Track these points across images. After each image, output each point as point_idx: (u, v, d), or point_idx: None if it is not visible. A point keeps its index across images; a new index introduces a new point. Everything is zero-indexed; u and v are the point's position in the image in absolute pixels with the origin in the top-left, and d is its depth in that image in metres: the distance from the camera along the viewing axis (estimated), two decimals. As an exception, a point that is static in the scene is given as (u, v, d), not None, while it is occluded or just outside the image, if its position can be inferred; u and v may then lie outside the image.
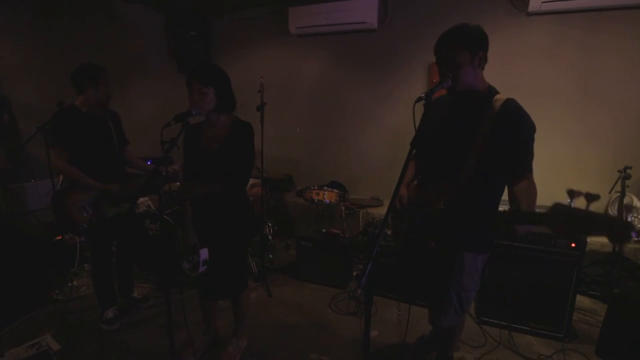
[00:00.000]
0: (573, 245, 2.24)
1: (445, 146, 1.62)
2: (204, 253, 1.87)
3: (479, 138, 1.48)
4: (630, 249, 2.91)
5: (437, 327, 1.90)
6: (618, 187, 2.77)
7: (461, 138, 1.54)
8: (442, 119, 1.64)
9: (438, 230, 1.61)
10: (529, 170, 1.46)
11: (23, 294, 2.67)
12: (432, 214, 1.57)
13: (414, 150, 1.41)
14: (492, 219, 1.53)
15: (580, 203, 1.00)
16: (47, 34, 3.58)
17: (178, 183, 2.69)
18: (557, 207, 1.02)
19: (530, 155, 1.47)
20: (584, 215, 0.96)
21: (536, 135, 1.49)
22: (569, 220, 0.99)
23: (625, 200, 2.85)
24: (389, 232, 2.96)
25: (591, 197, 0.98)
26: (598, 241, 2.97)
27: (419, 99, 1.37)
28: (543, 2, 3.15)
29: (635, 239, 0.91)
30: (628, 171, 2.71)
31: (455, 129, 1.58)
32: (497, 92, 1.55)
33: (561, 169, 3.34)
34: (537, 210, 1.22)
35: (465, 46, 1.44)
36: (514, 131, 1.45)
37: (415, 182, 1.79)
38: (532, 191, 1.38)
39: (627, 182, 2.73)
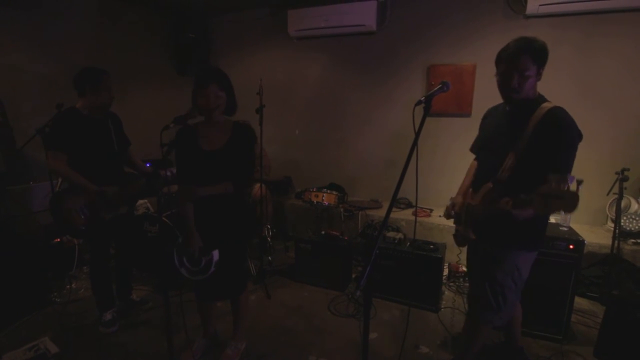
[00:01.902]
0: (571, 247, 2.25)
1: (494, 150, 1.72)
2: (216, 255, 1.90)
3: (521, 140, 1.58)
4: (628, 251, 2.91)
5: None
6: (616, 189, 2.77)
7: (507, 142, 1.64)
8: (495, 126, 1.79)
9: (480, 226, 1.74)
10: (564, 169, 1.51)
11: (21, 296, 2.66)
12: (476, 210, 1.68)
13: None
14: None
15: None
16: (46, 34, 3.58)
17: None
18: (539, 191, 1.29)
19: (568, 156, 1.53)
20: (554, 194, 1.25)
21: None
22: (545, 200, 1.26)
23: (623, 202, 2.85)
24: (388, 235, 3.00)
25: None
26: (597, 243, 2.98)
27: (419, 102, 1.37)
28: (541, 5, 3.16)
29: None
30: (626, 173, 2.71)
31: (504, 134, 1.69)
32: (545, 100, 1.63)
33: (559, 171, 3.34)
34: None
35: (535, 60, 1.55)
36: (554, 134, 1.52)
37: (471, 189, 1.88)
38: (548, 191, 1.37)
39: (625, 184, 2.73)
